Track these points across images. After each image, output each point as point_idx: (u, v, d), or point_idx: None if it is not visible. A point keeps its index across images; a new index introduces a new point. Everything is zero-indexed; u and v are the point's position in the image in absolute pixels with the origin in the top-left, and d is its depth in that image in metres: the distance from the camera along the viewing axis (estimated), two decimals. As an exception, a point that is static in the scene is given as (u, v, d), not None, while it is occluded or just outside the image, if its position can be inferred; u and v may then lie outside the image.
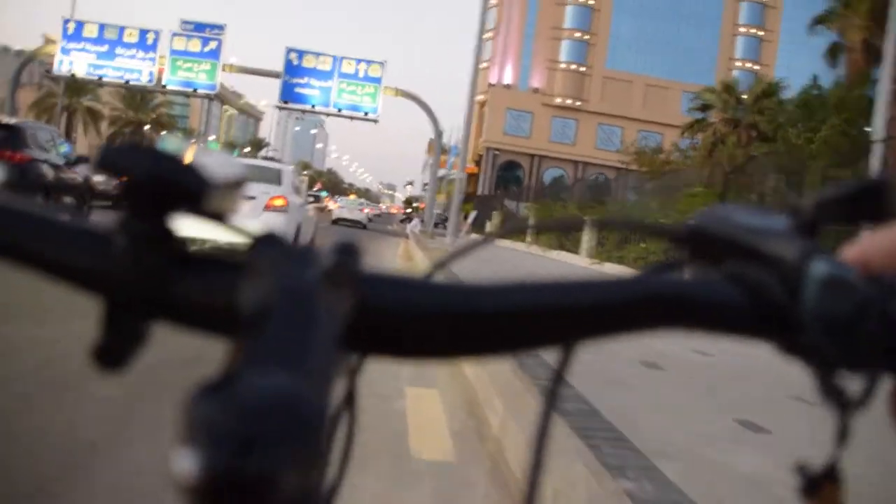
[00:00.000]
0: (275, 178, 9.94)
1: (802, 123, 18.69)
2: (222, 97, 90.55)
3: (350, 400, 0.35)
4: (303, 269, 0.30)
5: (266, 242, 0.31)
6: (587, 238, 13.97)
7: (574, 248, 15.33)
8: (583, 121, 56.47)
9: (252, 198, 9.06)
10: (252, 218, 8.84)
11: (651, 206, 13.24)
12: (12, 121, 10.96)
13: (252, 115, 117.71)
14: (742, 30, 58.05)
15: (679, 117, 50.43)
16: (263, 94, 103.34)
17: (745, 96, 25.81)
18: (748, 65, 55.92)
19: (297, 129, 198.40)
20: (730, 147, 23.02)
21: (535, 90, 56.48)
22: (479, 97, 46.96)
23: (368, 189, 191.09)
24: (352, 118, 32.89)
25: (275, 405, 0.23)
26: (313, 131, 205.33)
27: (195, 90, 33.22)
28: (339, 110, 32.47)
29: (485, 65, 46.51)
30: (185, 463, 0.22)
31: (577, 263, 13.97)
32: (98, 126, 49.13)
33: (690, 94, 53.67)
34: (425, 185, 69.61)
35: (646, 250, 11.52)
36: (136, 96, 52.95)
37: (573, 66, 56.60)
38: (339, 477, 0.33)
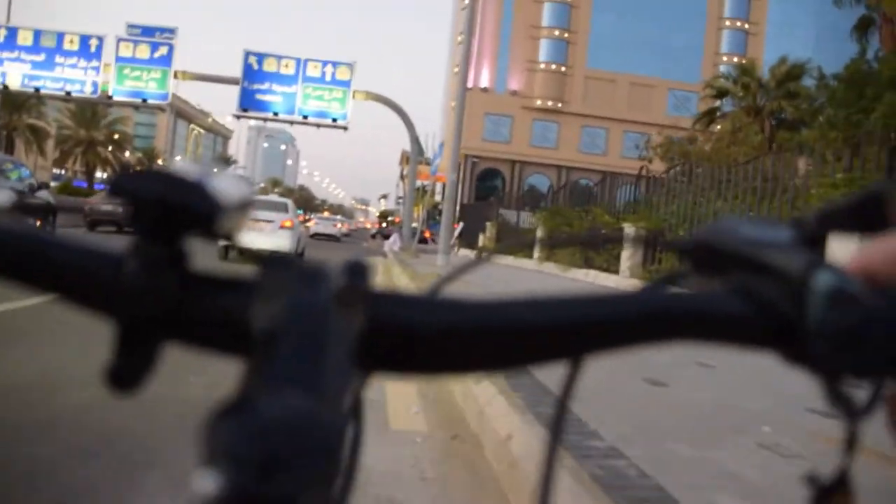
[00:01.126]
0: (283, 207, 14.97)
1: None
2: (188, 115, 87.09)
3: (357, 414, 0.34)
4: (314, 289, 0.30)
5: (276, 263, 0.31)
6: (629, 253, 10.72)
7: (611, 267, 12.06)
8: (565, 123, 53.58)
9: (271, 221, 13.61)
10: (271, 235, 13.22)
11: (717, 205, 10.03)
12: None
13: (220, 134, 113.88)
14: (727, 23, 55.65)
15: (664, 117, 48.06)
16: (228, 109, 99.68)
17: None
18: (735, 59, 53.44)
19: (266, 145, 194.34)
20: (752, 137, 20.22)
21: (514, 93, 53.45)
22: (454, 103, 43.98)
23: (342, 205, 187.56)
24: (319, 125, 30.14)
25: (294, 427, 0.23)
26: (283, 147, 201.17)
27: (145, 100, 30.33)
28: (305, 117, 29.76)
29: (457, 69, 43.66)
30: (208, 484, 0.22)
31: (621, 286, 10.70)
32: (43, 146, 45.22)
33: (677, 91, 52.04)
34: (399, 198, 66.43)
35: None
36: (86, 112, 49.13)
37: (553, 67, 53.66)
38: (345, 490, 0.32)
